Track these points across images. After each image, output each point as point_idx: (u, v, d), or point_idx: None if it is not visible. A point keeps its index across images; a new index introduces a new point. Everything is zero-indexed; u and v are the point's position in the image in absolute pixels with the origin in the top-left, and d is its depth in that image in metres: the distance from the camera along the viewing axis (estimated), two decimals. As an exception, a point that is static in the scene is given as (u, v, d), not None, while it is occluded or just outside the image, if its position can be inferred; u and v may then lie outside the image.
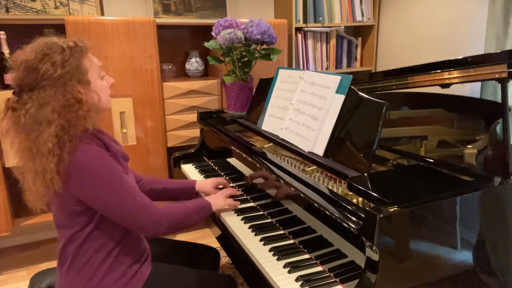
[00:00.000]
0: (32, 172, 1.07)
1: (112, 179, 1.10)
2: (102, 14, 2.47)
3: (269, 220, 1.40)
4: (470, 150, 1.41)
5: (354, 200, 1.08)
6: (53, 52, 1.07)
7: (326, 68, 3.00)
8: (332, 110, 1.37)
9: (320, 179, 1.27)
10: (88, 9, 2.36)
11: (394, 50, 2.95)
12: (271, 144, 1.61)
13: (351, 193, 1.10)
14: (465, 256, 1.07)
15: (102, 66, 1.20)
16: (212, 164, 2.02)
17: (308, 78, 1.54)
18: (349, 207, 1.02)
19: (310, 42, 2.88)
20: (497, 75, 1.11)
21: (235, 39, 1.87)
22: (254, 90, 1.99)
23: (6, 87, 2.13)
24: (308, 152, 1.40)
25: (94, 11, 2.37)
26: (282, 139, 1.55)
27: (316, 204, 1.11)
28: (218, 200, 1.42)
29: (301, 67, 2.89)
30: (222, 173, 1.87)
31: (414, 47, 2.77)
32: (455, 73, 1.22)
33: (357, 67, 3.14)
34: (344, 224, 0.99)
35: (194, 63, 2.66)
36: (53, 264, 1.24)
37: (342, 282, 1.05)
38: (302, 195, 1.18)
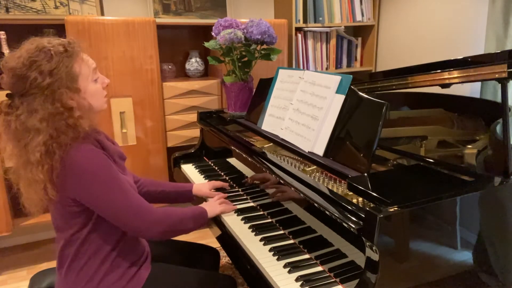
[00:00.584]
0: (24, 179, 1.06)
1: (107, 179, 1.10)
2: (102, 14, 2.47)
3: (269, 220, 1.40)
4: (470, 150, 1.41)
5: (354, 200, 1.08)
6: (41, 59, 1.04)
7: (326, 68, 3.00)
8: (332, 110, 1.37)
9: (320, 179, 1.27)
10: (88, 9, 2.36)
11: (394, 50, 2.95)
12: (271, 144, 1.61)
13: (351, 193, 1.10)
14: (465, 256, 1.07)
15: (95, 68, 1.17)
16: (212, 164, 2.02)
17: (308, 78, 1.54)
18: (349, 207, 1.02)
19: (310, 42, 2.88)
20: (497, 75, 1.11)
21: (235, 39, 1.87)
22: (254, 90, 1.99)
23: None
24: (308, 152, 1.40)
25: (94, 11, 2.37)
26: (282, 139, 1.55)
27: (316, 204, 1.11)
28: (213, 207, 1.41)
29: (301, 67, 2.89)
30: (222, 173, 1.87)
31: (414, 47, 2.77)
32: (455, 73, 1.22)
33: (357, 67, 3.14)
34: (344, 224, 0.99)
35: (194, 63, 2.66)
36: (53, 264, 1.24)
37: (342, 282, 1.05)
38: (302, 195, 1.18)
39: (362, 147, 1.22)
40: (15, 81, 1.04)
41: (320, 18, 2.85)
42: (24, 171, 1.05)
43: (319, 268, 1.12)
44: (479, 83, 2.17)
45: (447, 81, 1.25)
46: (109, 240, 1.16)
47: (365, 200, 1.07)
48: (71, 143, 1.05)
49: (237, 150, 1.67)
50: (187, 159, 2.09)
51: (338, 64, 3.06)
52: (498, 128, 1.32)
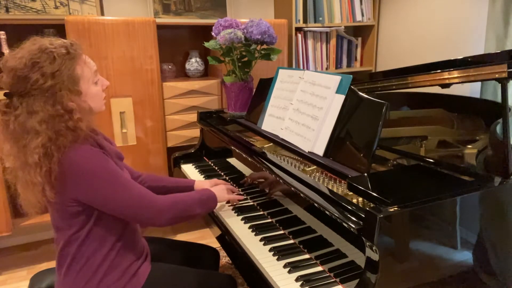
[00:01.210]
0: (22, 181, 1.06)
1: (108, 175, 1.09)
2: (102, 14, 2.47)
3: (269, 220, 1.40)
4: (470, 150, 1.41)
5: (354, 200, 1.08)
6: (43, 61, 1.03)
7: (326, 68, 3.00)
8: (332, 110, 1.37)
9: (320, 179, 1.27)
10: (88, 9, 2.36)
11: (394, 50, 2.95)
12: (271, 144, 1.61)
13: (351, 193, 1.10)
14: (465, 256, 1.07)
15: (96, 70, 1.16)
16: (212, 164, 2.02)
17: (308, 78, 1.54)
18: (349, 207, 1.02)
19: (310, 42, 2.88)
20: (497, 75, 1.11)
21: (235, 39, 1.87)
22: (254, 90, 1.99)
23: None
24: (308, 152, 1.40)
25: (94, 11, 2.37)
26: (282, 139, 1.55)
27: (316, 204, 1.11)
28: (222, 192, 1.42)
29: (301, 67, 2.89)
30: (222, 173, 1.87)
31: (414, 47, 2.77)
32: (455, 73, 1.22)
33: (357, 67, 3.14)
34: (344, 224, 0.99)
35: (194, 63, 2.66)
36: (53, 264, 1.24)
37: (342, 282, 1.05)
38: (302, 195, 1.18)
39: (362, 147, 1.22)
40: (15, 81, 1.03)
41: (320, 18, 2.85)
42: (22, 172, 1.05)
43: (319, 268, 1.12)
44: (479, 83, 2.17)
45: (447, 81, 1.25)
46: (108, 239, 1.16)
47: (365, 200, 1.07)
48: (69, 145, 1.05)
49: (237, 150, 1.67)
50: (187, 159, 2.09)
51: (338, 64, 3.06)
52: (498, 128, 1.32)
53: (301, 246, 1.23)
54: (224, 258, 2.28)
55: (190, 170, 1.97)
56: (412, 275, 0.99)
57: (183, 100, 2.46)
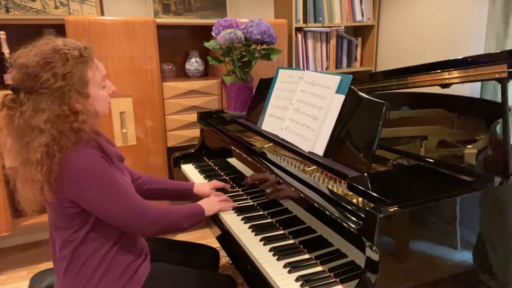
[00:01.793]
0: (22, 177, 1.06)
1: (105, 181, 1.09)
2: (102, 14, 2.47)
3: (269, 220, 1.40)
4: (470, 150, 1.41)
5: (354, 200, 1.08)
6: (56, 61, 1.04)
7: (326, 68, 3.00)
8: (332, 110, 1.37)
9: (320, 179, 1.27)
10: (88, 9, 2.36)
11: (394, 50, 2.94)
12: (271, 144, 1.61)
13: (351, 193, 1.10)
14: (465, 256, 1.07)
15: (105, 75, 1.17)
16: (212, 164, 2.02)
17: (308, 78, 1.54)
18: (349, 207, 1.02)
19: (310, 42, 2.88)
20: (497, 75, 1.11)
21: (235, 39, 1.87)
22: (254, 90, 1.99)
23: (6, 87, 2.13)
24: (308, 152, 1.39)
25: (94, 11, 2.37)
26: (282, 139, 1.55)
27: (316, 204, 1.11)
28: (211, 206, 1.41)
29: (301, 67, 2.89)
30: (222, 173, 1.87)
31: (414, 47, 2.77)
32: (455, 73, 1.22)
33: (357, 67, 3.14)
34: (344, 224, 0.99)
35: (194, 63, 2.66)
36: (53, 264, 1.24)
37: (342, 282, 1.05)
38: (302, 195, 1.18)
39: (362, 147, 1.22)
40: (25, 78, 1.03)
41: (320, 18, 2.85)
42: (22, 169, 1.05)
43: (319, 268, 1.12)
44: (479, 83, 2.17)
45: (447, 81, 1.25)
46: (107, 239, 1.16)
47: (365, 200, 1.07)
48: (71, 146, 1.05)
49: (237, 150, 1.67)
50: (187, 159, 2.09)
51: (338, 64, 3.06)
52: (498, 128, 1.32)
53: (301, 246, 1.23)
54: (224, 258, 2.28)
55: (190, 170, 1.97)
56: (412, 275, 0.99)
57: (183, 100, 2.46)
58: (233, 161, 1.78)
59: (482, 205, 1.09)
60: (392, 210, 0.93)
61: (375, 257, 0.91)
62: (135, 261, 1.23)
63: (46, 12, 2.27)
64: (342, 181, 1.21)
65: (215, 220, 1.49)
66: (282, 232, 1.32)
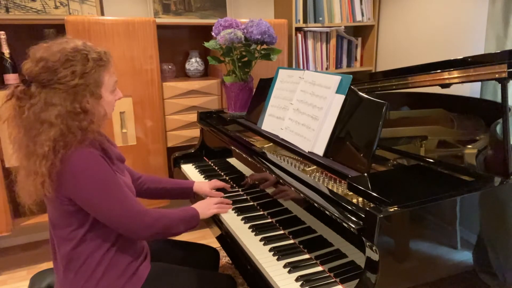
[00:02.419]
0: (26, 169, 1.07)
1: (103, 182, 1.10)
2: (102, 14, 2.47)
3: (269, 220, 1.40)
4: (470, 150, 1.41)
5: (354, 200, 1.08)
6: (77, 60, 1.07)
7: (326, 68, 3.00)
8: (332, 110, 1.37)
9: (320, 179, 1.27)
10: (88, 9, 2.36)
11: (394, 50, 2.94)
12: (271, 144, 1.61)
13: (351, 193, 1.10)
14: (465, 256, 1.07)
15: (116, 81, 1.21)
16: (212, 164, 2.02)
17: (308, 78, 1.54)
18: (349, 207, 1.02)
19: (310, 42, 2.88)
20: (497, 75, 1.11)
21: (235, 39, 1.87)
22: (254, 90, 1.99)
23: (6, 87, 2.13)
24: (308, 152, 1.40)
25: (94, 11, 2.37)
26: (282, 139, 1.55)
27: (316, 204, 1.11)
28: (205, 209, 1.40)
29: (301, 67, 2.89)
30: (222, 173, 1.87)
31: (414, 47, 2.77)
32: (455, 73, 1.22)
33: (357, 67, 3.14)
34: (344, 224, 0.99)
35: (194, 63, 2.66)
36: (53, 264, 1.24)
37: (342, 282, 1.05)
38: (302, 195, 1.18)
39: (362, 147, 1.22)
40: (43, 71, 1.04)
41: (320, 18, 2.85)
42: (27, 161, 1.06)
43: (319, 268, 1.12)
44: (479, 83, 2.17)
45: (447, 81, 1.25)
46: (107, 238, 1.16)
47: (365, 200, 1.07)
48: (76, 144, 1.06)
49: (237, 150, 1.67)
50: (187, 159, 2.09)
51: (338, 64, 3.06)
52: (498, 128, 1.31)
53: (301, 246, 1.23)
54: (224, 258, 2.28)
55: (190, 170, 1.97)
56: (412, 275, 0.99)
57: (183, 100, 2.46)
58: (233, 161, 1.78)
59: (482, 205, 1.09)
60: (392, 210, 0.93)
61: (375, 257, 0.91)
62: (135, 260, 1.23)
63: (46, 12, 2.27)
64: (342, 181, 1.21)
65: (215, 220, 1.49)
66: (282, 232, 1.32)
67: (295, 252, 1.20)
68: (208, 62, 2.14)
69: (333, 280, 1.06)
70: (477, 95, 2.19)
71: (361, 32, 3.13)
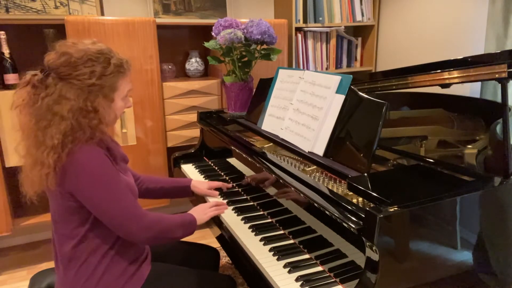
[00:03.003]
0: (32, 158, 1.08)
1: (105, 181, 1.10)
2: (102, 14, 2.47)
3: (269, 220, 1.40)
4: (470, 150, 1.41)
5: (354, 200, 1.08)
6: (99, 62, 1.11)
7: (326, 68, 3.00)
8: (332, 110, 1.37)
9: (320, 179, 1.27)
10: (88, 9, 2.36)
11: (394, 50, 2.94)
12: (271, 144, 1.61)
13: (351, 193, 1.10)
14: (465, 256, 1.07)
15: (130, 90, 1.23)
16: (212, 164, 2.02)
17: (308, 78, 1.54)
18: (349, 207, 1.02)
19: (310, 42, 2.88)
20: (497, 75, 1.11)
21: (235, 39, 1.87)
22: (254, 90, 1.99)
23: (7, 87, 2.13)
24: (308, 152, 1.40)
25: (94, 11, 2.37)
26: (282, 139, 1.55)
27: (316, 204, 1.11)
28: (202, 214, 1.39)
29: (301, 67, 2.89)
30: (222, 173, 1.87)
31: (414, 47, 2.77)
32: (455, 73, 1.22)
33: (357, 67, 3.14)
34: (344, 224, 0.99)
35: (194, 63, 2.66)
36: (53, 264, 1.24)
37: (342, 282, 1.05)
38: (302, 195, 1.18)
39: (362, 147, 1.22)
40: (64, 64, 1.08)
41: (320, 18, 2.85)
42: (35, 150, 1.07)
43: (319, 268, 1.12)
44: (479, 83, 2.17)
45: (447, 81, 1.25)
46: (108, 237, 1.17)
47: (365, 200, 1.07)
48: (84, 141, 1.08)
49: (237, 150, 1.67)
50: (187, 159, 2.09)
51: (338, 64, 3.06)
52: (498, 128, 1.31)
53: (301, 246, 1.23)
54: (224, 258, 2.28)
55: (190, 170, 1.97)
56: (412, 275, 0.99)
57: (183, 100, 2.46)
58: (233, 161, 1.78)
59: (482, 205, 1.09)
60: (392, 210, 0.93)
61: (375, 257, 0.91)
62: (136, 260, 1.23)
63: (46, 12, 2.27)
64: (342, 181, 1.21)
65: (215, 220, 1.49)
66: (282, 232, 1.32)
67: (295, 252, 1.20)
68: (208, 62, 2.14)
69: (333, 280, 1.06)
70: (477, 95, 2.19)
71: (361, 32, 3.13)
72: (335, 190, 1.16)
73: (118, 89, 1.17)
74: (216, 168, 1.96)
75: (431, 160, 1.33)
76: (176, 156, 2.09)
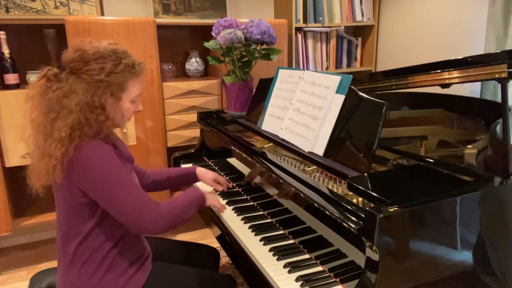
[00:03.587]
0: (41, 150, 1.10)
1: (113, 174, 1.11)
2: (102, 14, 2.47)
3: (269, 220, 1.40)
4: (470, 150, 1.41)
5: (354, 200, 1.08)
6: (110, 60, 1.13)
7: (326, 68, 3.00)
8: (332, 110, 1.37)
9: (320, 179, 1.27)
10: (88, 9, 2.36)
11: (394, 50, 2.95)
12: (271, 144, 1.61)
13: (351, 193, 1.10)
14: (465, 256, 1.08)
15: (140, 95, 1.24)
16: (212, 164, 2.02)
17: (308, 78, 1.54)
18: (349, 207, 1.02)
19: (310, 42, 2.88)
20: (497, 75, 1.11)
21: (235, 39, 1.87)
22: (254, 90, 1.99)
23: (7, 87, 2.13)
24: (308, 152, 1.40)
25: (94, 11, 2.37)
26: (282, 139, 1.55)
27: (316, 204, 1.11)
28: (209, 197, 1.38)
29: (301, 67, 2.89)
30: (222, 173, 1.87)
31: (414, 47, 2.77)
32: (455, 73, 1.22)
33: (357, 67, 3.14)
34: (344, 224, 0.99)
35: (194, 63, 2.66)
36: (53, 264, 1.24)
37: (342, 282, 1.05)
38: (302, 195, 1.18)
39: (362, 147, 1.22)
40: (77, 59, 1.11)
41: (320, 18, 2.85)
42: (44, 142, 1.09)
43: (319, 268, 1.12)
44: (479, 83, 2.17)
45: (447, 81, 1.25)
46: (112, 237, 1.17)
47: (365, 200, 1.07)
48: (91, 136, 1.10)
49: (237, 150, 1.67)
50: (187, 159, 2.09)
51: (338, 64, 3.06)
52: (498, 128, 1.32)
53: (301, 246, 1.23)
54: (224, 258, 2.28)
55: (190, 170, 1.97)
56: (412, 275, 0.99)
57: (183, 100, 2.46)
58: (233, 161, 1.78)
59: (482, 205, 1.09)
60: (392, 210, 0.93)
61: (375, 257, 0.91)
62: (137, 260, 1.23)
63: (46, 12, 2.27)
64: (342, 181, 1.21)
65: (215, 220, 1.49)
66: (282, 232, 1.32)
67: (295, 252, 1.20)
68: (208, 62, 2.14)
69: (333, 280, 1.06)
70: (477, 95, 2.19)
71: (361, 32, 3.13)
72: (335, 190, 1.16)
73: (127, 90, 1.18)
74: (216, 168, 1.96)
75: (431, 160, 1.33)
76: (176, 156, 2.09)
